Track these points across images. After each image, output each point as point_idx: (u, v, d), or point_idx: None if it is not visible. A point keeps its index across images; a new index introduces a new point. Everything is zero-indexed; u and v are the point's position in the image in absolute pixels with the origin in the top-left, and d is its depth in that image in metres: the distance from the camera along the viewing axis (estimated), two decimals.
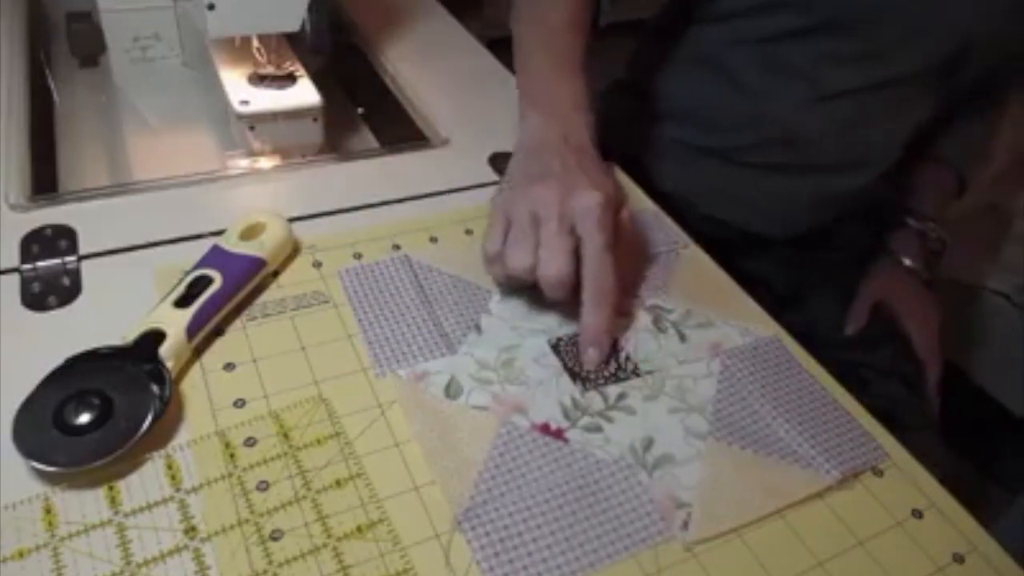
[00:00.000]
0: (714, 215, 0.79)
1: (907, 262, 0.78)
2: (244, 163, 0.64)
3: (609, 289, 0.46)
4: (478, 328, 0.47)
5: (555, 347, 0.47)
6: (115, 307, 0.44)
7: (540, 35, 0.61)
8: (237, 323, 0.45)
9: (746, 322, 0.51)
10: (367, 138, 0.77)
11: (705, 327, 0.50)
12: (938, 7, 0.68)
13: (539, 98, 0.56)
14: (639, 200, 0.62)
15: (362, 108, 0.80)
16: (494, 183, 0.60)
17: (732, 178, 0.81)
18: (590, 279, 0.45)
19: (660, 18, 0.86)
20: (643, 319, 0.50)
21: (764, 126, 0.76)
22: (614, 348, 0.47)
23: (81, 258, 0.48)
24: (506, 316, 0.49)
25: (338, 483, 0.38)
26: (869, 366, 0.74)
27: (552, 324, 0.48)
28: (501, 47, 0.74)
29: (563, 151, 0.50)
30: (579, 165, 0.49)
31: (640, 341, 0.48)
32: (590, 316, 0.46)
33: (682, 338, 0.49)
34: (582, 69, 0.57)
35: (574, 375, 0.45)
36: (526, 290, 0.50)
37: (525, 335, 0.47)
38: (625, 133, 0.84)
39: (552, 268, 0.45)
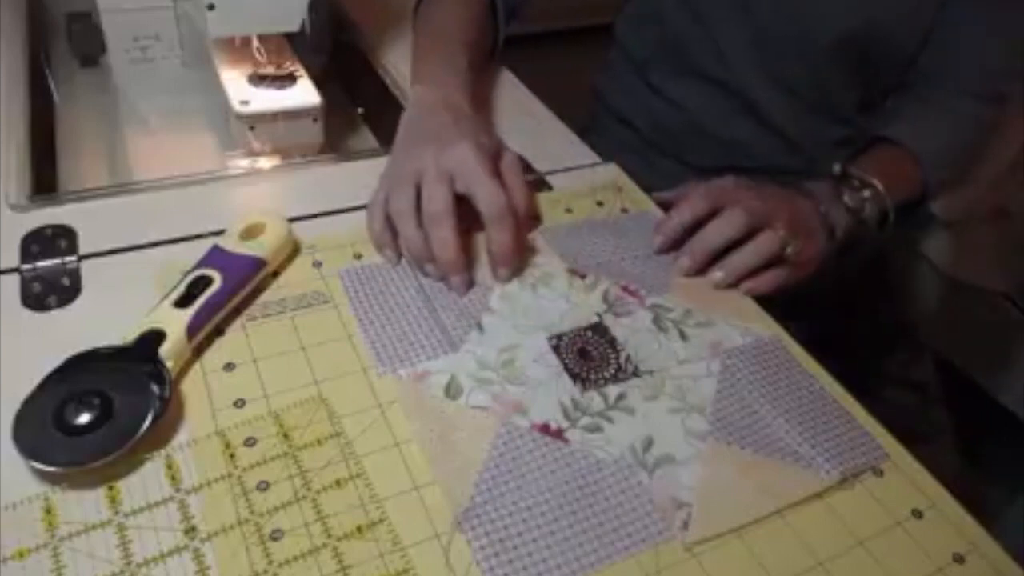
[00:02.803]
0: None
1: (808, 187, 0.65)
2: (244, 163, 0.64)
3: (504, 209, 0.48)
4: (480, 327, 0.47)
5: (555, 347, 0.47)
6: (115, 307, 0.44)
7: (428, 29, 0.67)
8: (237, 323, 0.45)
9: (746, 322, 0.51)
10: (367, 138, 0.77)
11: (705, 327, 0.50)
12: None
13: (422, 73, 0.62)
14: (640, 201, 0.62)
15: (362, 108, 0.80)
16: None
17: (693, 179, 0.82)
18: (484, 204, 0.48)
19: (613, 28, 0.88)
20: (643, 319, 0.50)
21: (697, 132, 0.78)
22: (614, 350, 0.47)
23: (81, 258, 0.48)
24: (507, 314, 0.49)
25: (338, 483, 0.38)
26: (879, 374, 0.73)
27: (553, 323, 0.48)
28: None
29: (441, 113, 0.55)
30: (455, 123, 0.54)
31: (640, 341, 0.48)
32: (495, 235, 0.49)
33: (682, 338, 0.49)
34: (464, 56, 0.63)
35: (574, 375, 0.45)
36: (527, 288, 0.50)
37: (526, 334, 0.47)
38: (600, 139, 0.85)
39: (435, 203, 0.48)
